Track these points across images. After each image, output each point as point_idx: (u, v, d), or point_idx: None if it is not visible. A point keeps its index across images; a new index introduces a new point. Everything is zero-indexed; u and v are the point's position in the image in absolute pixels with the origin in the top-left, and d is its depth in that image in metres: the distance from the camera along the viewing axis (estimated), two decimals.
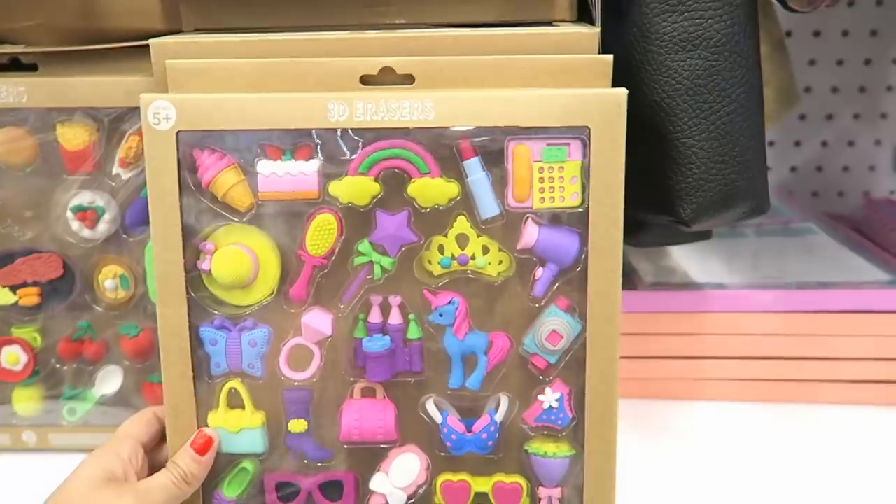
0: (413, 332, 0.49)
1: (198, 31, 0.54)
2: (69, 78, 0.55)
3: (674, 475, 0.57)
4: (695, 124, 0.48)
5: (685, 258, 0.72)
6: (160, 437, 0.50)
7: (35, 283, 0.58)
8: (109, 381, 0.60)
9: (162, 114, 0.46)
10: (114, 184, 0.57)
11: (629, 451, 0.56)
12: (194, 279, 0.48)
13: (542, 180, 0.46)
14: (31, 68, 0.56)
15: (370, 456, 0.50)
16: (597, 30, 0.48)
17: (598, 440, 0.48)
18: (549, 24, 0.52)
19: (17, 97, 0.55)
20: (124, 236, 0.58)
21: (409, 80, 0.47)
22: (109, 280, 0.58)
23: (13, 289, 0.58)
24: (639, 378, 0.66)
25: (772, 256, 0.73)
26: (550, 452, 0.48)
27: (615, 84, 0.46)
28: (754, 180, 0.50)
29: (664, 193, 0.51)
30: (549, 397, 0.48)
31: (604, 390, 0.47)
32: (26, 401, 0.60)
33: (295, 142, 0.47)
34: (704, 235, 0.63)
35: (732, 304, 0.65)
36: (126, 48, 0.54)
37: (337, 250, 0.48)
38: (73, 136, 0.56)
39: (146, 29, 0.53)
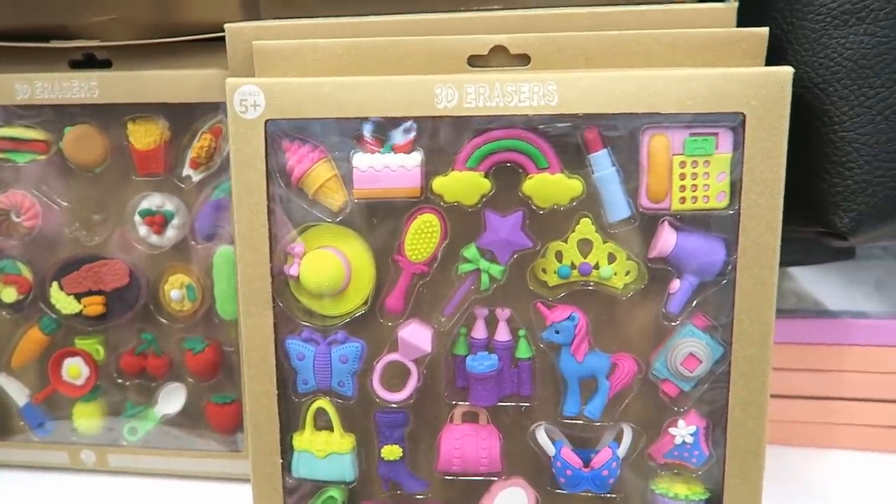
0: (523, 351, 0.45)
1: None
2: (142, 72, 0.52)
3: None
4: (857, 114, 0.42)
5: (811, 282, 0.63)
6: None
7: (100, 292, 0.55)
8: (172, 399, 0.57)
9: (249, 100, 0.42)
10: (184, 186, 0.54)
11: None
12: (281, 285, 0.44)
13: (683, 177, 0.41)
14: (106, 65, 0.53)
15: (471, 489, 0.46)
16: (734, 3, 0.43)
17: (740, 483, 0.42)
18: (674, 1, 0.47)
19: (89, 92, 0.52)
20: (192, 244, 0.54)
21: (523, 60, 0.43)
22: (175, 290, 0.54)
23: (78, 297, 0.55)
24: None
25: None
26: (682, 495, 0.44)
27: None
28: None
29: (815, 199, 0.44)
30: (682, 431, 0.43)
31: (749, 426, 0.42)
32: (87, 417, 0.57)
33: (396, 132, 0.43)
34: (847, 253, 0.55)
35: (876, 336, 0.57)
36: (201, 40, 0.51)
37: (439, 256, 0.44)
38: (144, 135, 0.53)
39: (222, 21, 0.50)
